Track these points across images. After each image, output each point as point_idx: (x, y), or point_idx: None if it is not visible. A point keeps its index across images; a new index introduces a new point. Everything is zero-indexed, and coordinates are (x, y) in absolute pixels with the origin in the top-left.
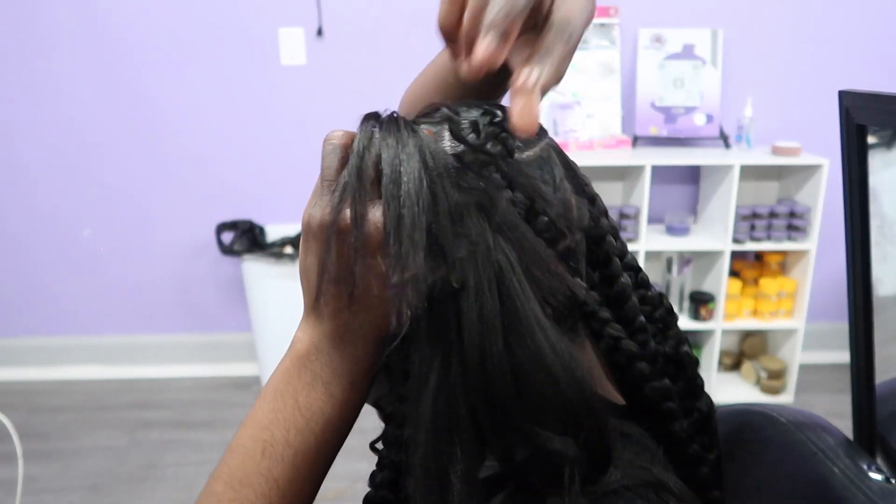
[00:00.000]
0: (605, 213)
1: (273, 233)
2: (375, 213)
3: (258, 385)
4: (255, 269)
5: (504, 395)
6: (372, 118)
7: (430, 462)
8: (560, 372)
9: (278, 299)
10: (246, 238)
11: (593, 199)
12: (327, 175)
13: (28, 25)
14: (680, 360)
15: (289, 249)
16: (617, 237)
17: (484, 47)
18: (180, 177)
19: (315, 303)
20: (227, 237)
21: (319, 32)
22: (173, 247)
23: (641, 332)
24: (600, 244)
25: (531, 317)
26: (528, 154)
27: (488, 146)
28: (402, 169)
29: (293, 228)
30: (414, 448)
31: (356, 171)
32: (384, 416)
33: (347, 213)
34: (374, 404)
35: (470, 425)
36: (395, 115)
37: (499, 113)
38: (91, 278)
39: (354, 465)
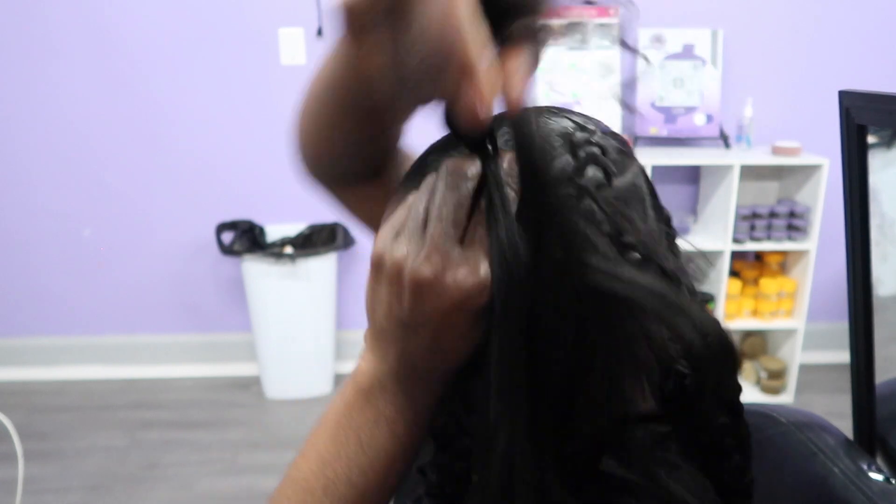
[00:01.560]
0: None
1: (273, 233)
2: (479, 274)
3: (258, 385)
4: (255, 269)
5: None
6: (475, 144)
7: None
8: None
9: (278, 299)
10: (246, 238)
11: (669, 220)
12: (444, 215)
13: (28, 26)
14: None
15: (289, 249)
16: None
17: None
18: (180, 177)
19: (380, 341)
20: (227, 237)
21: (319, 32)
22: (173, 247)
23: None
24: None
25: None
26: (622, 180)
27: (588, 173)
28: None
29: (293, 228)
30: (488, 483)
31: (498, 235)
32: (438, 445)
33: (447, 273)
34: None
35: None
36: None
37: (592, 127)
38: (91, 278)
39: None
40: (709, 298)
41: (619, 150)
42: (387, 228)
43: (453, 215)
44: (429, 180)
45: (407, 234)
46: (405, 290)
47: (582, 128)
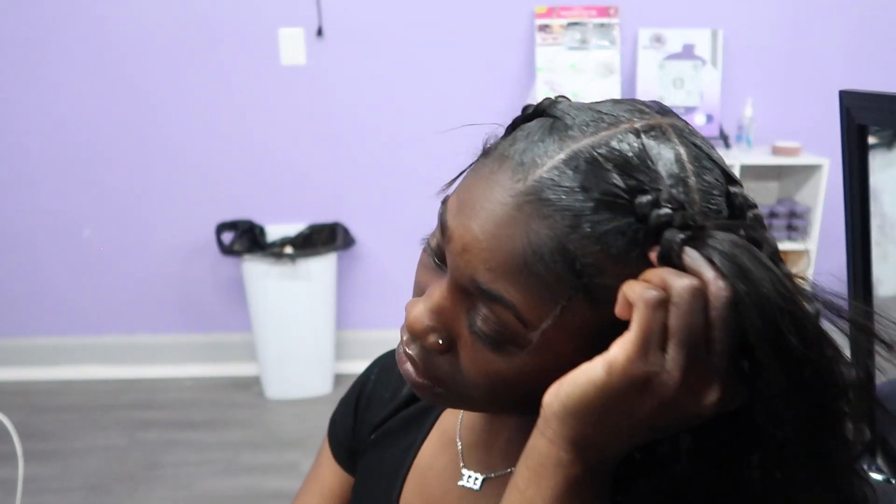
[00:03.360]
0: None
1: (273, 233)
2: (717, 393)
3: (258, 385)
4: (255, 269)
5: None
6: (672, 225)
7: None
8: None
9: (278, 299)
10: (246, 238)
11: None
12: (688, 337)
13: (29, 26)
14: None
15: (289, 249)
16: None
17: None
18: (180, 177)
19: (610, 441)
20: (227, 237)
21: (319, 32)
22: (173, 247)
23: None
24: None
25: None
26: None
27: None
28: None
29: (293, 228)
30: None
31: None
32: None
33: (704, 392)
34: None
35: None
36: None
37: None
38: (91, 278)
39: None
40: None
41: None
42: (632, 342)
43: (698, 337)
44: (653, 297)
45: (647, 346)
46: (664, 400)
47: (734, 180)
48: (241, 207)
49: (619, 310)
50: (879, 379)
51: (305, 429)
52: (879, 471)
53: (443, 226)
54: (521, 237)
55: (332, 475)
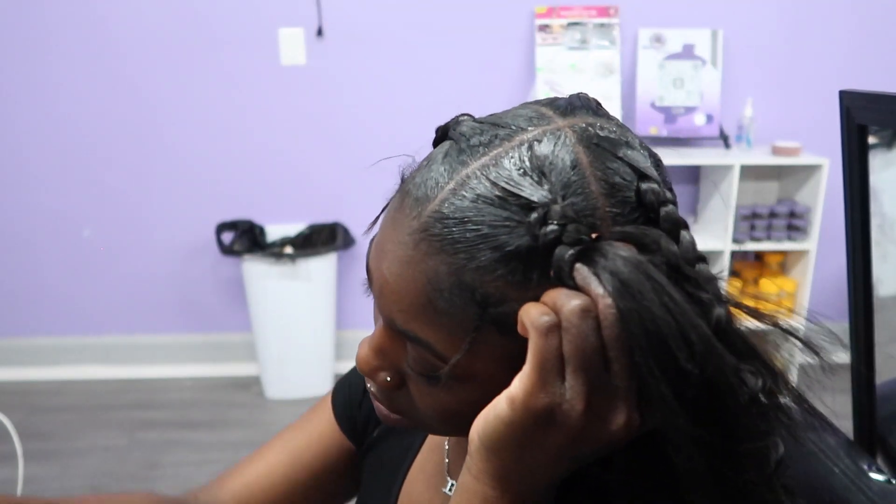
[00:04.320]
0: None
1: (273, 233)
2: (625, 414)
3: (258, 385)
4: (255, 269)
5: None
6: (562, 242)
7: None
8: None
9: (278, 299)
10: (246, 238)
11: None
12: (583, 362)
13: (28, 25)
14: None
15: (289, 249)
16: None
17: None
18: (180, 177)
19: (527, 475)
20: (227, 237)
21: (319, 32)
22: (173, 247)
23: None
24: None
25: None
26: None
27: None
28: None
29: (293, 228)
30: None
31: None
32: None
33: (610, 417)
34: None
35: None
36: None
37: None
38: (91, 278)
39: None
40: None
41: (667, 183)
42: (528, 375)
43: (595, 358)
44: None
45: (542, 380)
46: (573, 431)
47: (669, 201)
48: (241, 207)
49: (524, 335)
50: (879, 378)
51: None
52: (879, 471)
53: (366, 268)
54: (421, 276)
55: (326, 424)
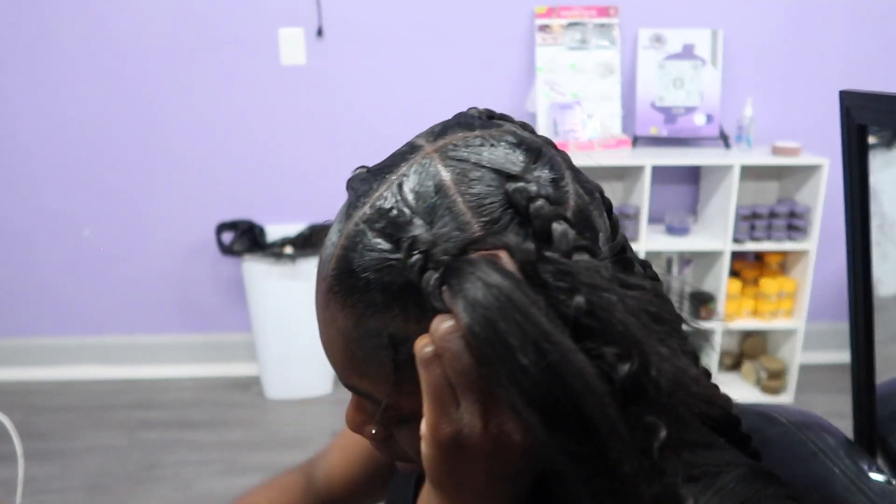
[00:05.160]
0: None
1: (273, 233)
2: (513, 430)
3: (258, 385)
4: (255, 269)
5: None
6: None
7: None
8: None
9: (278, 299)
10: (246, 238)
11: (617, 225)
12: (466, 382)
13: (29, 26)
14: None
15: (289, 249)
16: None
17: None
18: (180, 177)
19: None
20: (227, 237)
21: (319, 32)
22: (173, 247)
23: None
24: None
25: None
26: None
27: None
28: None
29: (293, 228)
30: None
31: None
32: None
33: (511, 430)
34: None
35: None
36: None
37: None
38: (91, 278)
39: None
40: (709, 298)
41: (553, 180)
42: (427, 408)
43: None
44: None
45: (444, 408)
46: (485, 451)
47: (511, 177)
48: (241, 207)
49: None
50: (879, 378)
51: (305, 429)
52: (880, 471)
53: None
54: (336, 334)
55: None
